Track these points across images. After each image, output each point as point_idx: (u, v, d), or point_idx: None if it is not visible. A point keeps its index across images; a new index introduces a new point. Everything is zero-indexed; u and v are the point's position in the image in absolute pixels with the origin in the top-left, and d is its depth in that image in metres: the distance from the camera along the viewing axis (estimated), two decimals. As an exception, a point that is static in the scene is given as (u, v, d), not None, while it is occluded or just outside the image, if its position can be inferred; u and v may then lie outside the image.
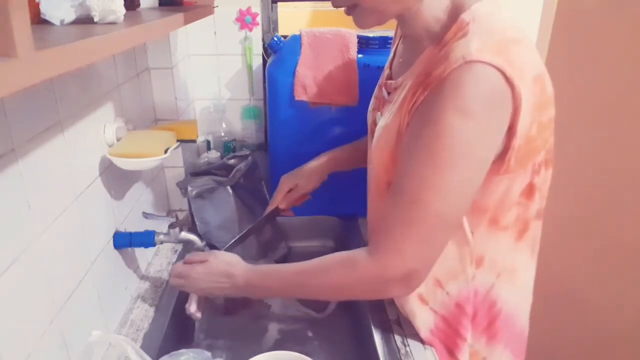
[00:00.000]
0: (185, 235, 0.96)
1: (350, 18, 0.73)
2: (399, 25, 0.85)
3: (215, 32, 1.38)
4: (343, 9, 0.73)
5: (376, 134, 0.78)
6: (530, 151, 0.67)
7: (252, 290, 0.83)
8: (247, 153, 1.27)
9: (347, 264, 0.74)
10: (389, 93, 0.79)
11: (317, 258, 0.78)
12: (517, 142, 0.64)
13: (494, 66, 0.59)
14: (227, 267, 0.83)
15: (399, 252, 0.68)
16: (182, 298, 0.92)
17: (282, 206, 1.07)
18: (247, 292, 0.84)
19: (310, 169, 1.06)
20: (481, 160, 0.65)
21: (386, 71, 0.85)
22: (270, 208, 1.08)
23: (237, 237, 1.02)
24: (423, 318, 0.82)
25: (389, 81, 0.79)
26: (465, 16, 0.65)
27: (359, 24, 0.72)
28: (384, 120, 0.76)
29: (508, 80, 0.60)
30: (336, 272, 0.74)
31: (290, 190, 1.06)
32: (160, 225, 1.08)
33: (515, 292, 0.80)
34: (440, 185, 0.65)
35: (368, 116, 0.89)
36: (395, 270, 0.69)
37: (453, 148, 0.63)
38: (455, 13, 0.67)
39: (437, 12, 0.69)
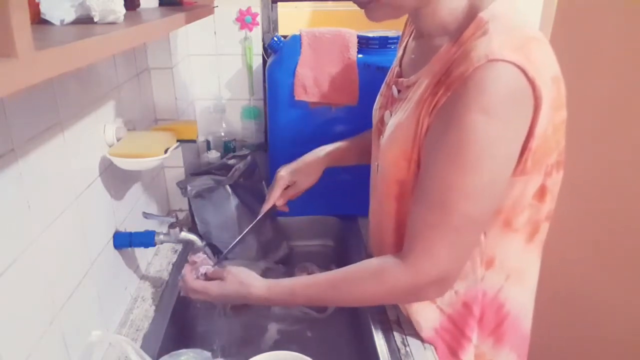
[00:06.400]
0: (185, 235, 0.96)
1: (351, 17, 0.73)
2: (412, 22, 0.84)
3: (215, 32, 1.37)
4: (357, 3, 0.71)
5: (387, 132, 0.77)
6: (544, 153, 0.67)
7: (274, 304, 0.84)
8: (247, 153, 1.26)
9: (379, 274, 0.73)
10: (399, 91, 0.78)
11: (343, 270, 0.77)
12: (535, 142, 0.64)
13: (516, 64, 0.59)
14: (241, 289, 0.81)
15: (431, 256, 0.68)
16: (182, 298, 0.91)
17: (279, 203, 1.03)
18: (268, 305, 0.84)
19: (308, 165, 1.02)
20: (506, 159, 0.65)
21: (395, 68, 0.83)
22: (267, 206, 1.03)
23: (238, 238, 1.01)
24: (429, 316, 0.81)
25: (400, 79, 0.78)
26: (483, 14, 0.65)
27: (372, 17, 0.71)
28: (396, 118, 0.75)
29: (529, 79, 0.59)
30: (369, 284, 0.74)
31: (287, 187, 1.03)
32: (160, 225, 1.08)
33: (522, 294, 0.80)
34: (467, 187, 0.64)
35: (374, 115, 0.87)
36: (429, 275, 0.69)
37: (478, 149, 0.62)
38: (472, 11, 0.67)
39: (454, 9, 0.69)
